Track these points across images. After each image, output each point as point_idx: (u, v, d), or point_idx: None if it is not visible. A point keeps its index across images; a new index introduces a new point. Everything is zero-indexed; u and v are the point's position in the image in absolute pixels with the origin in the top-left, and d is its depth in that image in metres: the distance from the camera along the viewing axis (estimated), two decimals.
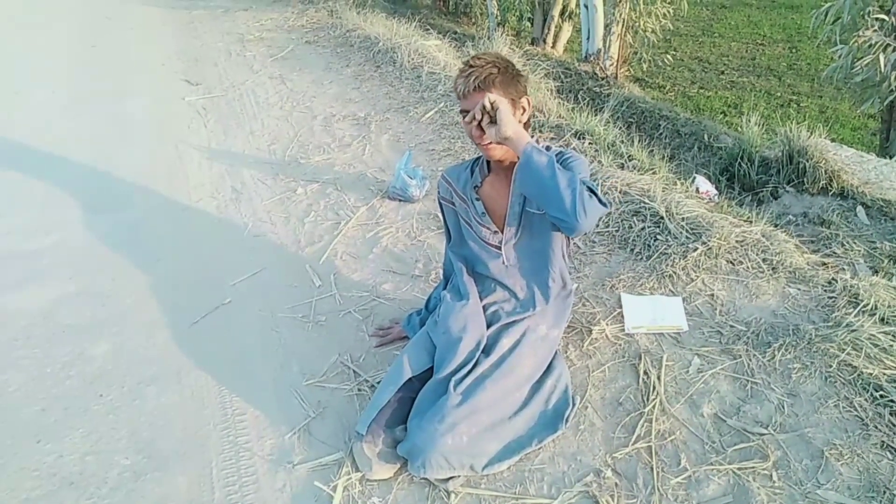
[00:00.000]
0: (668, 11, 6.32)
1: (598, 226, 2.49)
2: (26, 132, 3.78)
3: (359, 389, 1.91)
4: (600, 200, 1.51)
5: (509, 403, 1.68)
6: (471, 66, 1.57)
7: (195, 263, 2.56)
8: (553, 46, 7.84)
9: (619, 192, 2.63)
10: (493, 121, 1.52)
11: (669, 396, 1.79)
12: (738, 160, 3.48)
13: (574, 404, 1.76)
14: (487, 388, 1.63)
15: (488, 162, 1.79)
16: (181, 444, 1.78)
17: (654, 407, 1.75)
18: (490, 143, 1.58)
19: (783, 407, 1.71)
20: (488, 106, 1.50)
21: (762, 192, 3.24)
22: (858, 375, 1.75)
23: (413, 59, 4.46)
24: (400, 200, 2.87)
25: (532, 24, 8.24)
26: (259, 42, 5.34)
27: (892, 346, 1.82)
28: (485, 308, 1.83)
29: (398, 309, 2.23)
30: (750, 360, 1.86)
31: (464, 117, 1.60)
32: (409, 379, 1.68)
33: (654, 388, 1.81)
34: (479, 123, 1.55)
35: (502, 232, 1.79)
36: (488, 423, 1.62)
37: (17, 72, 4.93)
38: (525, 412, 1.69)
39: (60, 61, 5.11)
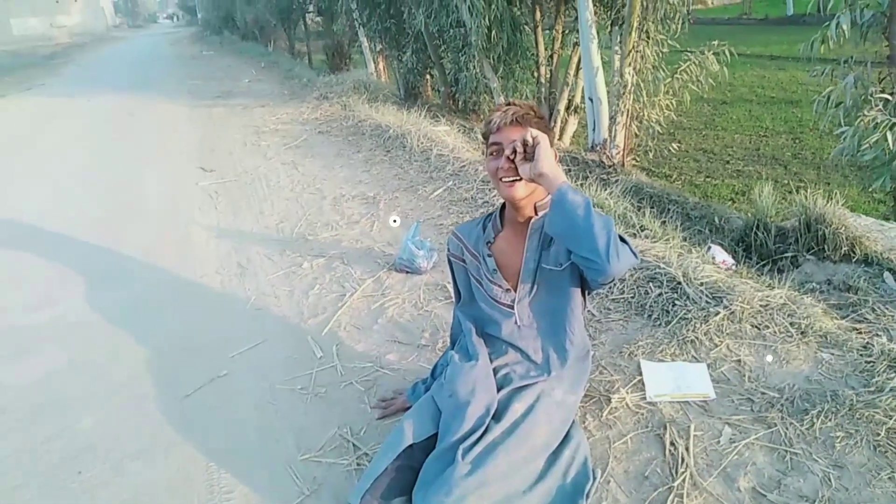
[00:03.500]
0: (671, 103, 6.51)
1: (612, 291, 2.39)
2: (39, 215, 3.83)
3: (358, 464, 1.75)
4: (632, 251, 1.44)
5: (523, 475, 1.51)
6: (509, 104, 1.57)
7: (194, 336, 2.47)
8: (560, 139, 8.05)
9: None
10: (528, 157, 1.46)
11: (700, 469, 1.61)
12: (754, 230, 3.39)
13: (595, 478, 1.58)
14: (499, 458, 1.47)
15: (502, 218, 1.72)
16: None
17: (683, 481, 1.58)
18: (516, 180, 1.52)
19: (829, 480, 1.53)
20: (530, 140, 1.44)
21: (782, 260, 3.13)
22: None
23: (422, 143, 4.56)
24: (407, 272, 2.80)
25: None
26: (274, 133, 5.53)
27: None
28: (495, 370, 1.69)
29: (402, 379, 2.10)
30: (787, 428, 1.70)
31: (492, 153, 1.56)
32: (410, 447, 1.53)
33: (682, 459, 1.64)
34: (513, 158, 1.48)
35: (515, 290, 1.69)
36: (500, 497, 1.44)
37: (39, 163, 5.09)
38: (541, 486, 1.51)
39: (81, 154, 5.28)
